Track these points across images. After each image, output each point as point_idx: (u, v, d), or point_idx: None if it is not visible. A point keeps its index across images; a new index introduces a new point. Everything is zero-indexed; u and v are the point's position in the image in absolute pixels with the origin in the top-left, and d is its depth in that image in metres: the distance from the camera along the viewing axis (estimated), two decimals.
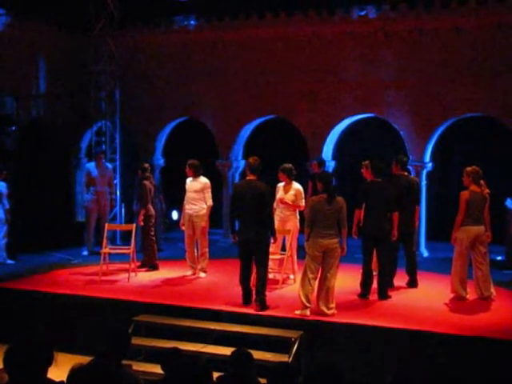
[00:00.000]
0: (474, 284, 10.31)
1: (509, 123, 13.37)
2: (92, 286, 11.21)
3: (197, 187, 11.70)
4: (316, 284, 9.46)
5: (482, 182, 10.21)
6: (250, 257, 9.75)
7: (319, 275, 9.42)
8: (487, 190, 10.24)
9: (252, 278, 9.93)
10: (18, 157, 14.45)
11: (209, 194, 11.76)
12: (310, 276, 9.33)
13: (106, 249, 12.00)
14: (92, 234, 14.17)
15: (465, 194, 10.13)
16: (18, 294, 10.87)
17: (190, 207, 11.72)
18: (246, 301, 9.79)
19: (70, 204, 16.46)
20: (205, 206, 11.71)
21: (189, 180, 11.81)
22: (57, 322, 10.14)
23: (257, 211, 9.62)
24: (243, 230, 9.76)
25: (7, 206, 13.03)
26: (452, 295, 10.32)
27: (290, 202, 11.27)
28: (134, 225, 12.17)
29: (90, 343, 8.84)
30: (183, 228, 11.90)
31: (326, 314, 9.28)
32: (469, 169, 10.23)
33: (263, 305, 9.57)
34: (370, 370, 8.61)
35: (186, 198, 11.80)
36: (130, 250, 11.82)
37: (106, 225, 12.50)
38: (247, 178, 10.05)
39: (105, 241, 12.03)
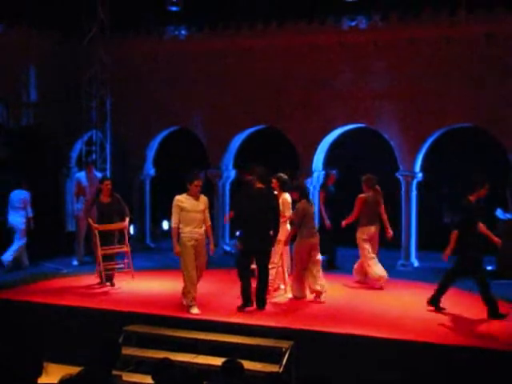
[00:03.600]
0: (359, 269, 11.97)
1: (498, 134, 13.42)
2: (82, 295, 11.16)
3: (201, 207, 10.21)
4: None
5: (376, 187, 11.98)
6: (251, 261, 10.26)
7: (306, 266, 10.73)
8: (380, 194, 12.01)
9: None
10: (8, 165, 14.41)
11: (208, 213, 10.44)
12: (302, 271, 10.68)
13: (102, 250, 11.70)
14: (82, 244, 14.11)
15: (362, 197, 11.87)
16: (7, 304, 10.81)
17: (196, 231, 10.08)
18: (250, 302, 10.10)
19: (60, 213, 16.40)
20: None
21: (186, 197, 10.15)
22: (47, 332, 10.08)
23: (264, 219, 10.10)
24: (251, 238, 10.08)
25: (30, 214, 13.53)
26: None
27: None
28: (127, 223, 12.01)
29: (81, 353, 8.79)
30: (178, 255, 10.18)
31: (319, 292, 10.60)
32: (364, 177, 11.99)
33: (265, 304, 10.10)
34: (362, 380, 8.59)
35: (185, 220, 10.07)
36: (124, 248, 11.95)
37: (100, 226, 11.88)
38: (256, 186, 10.34)
39: (97, 240, 11.70)
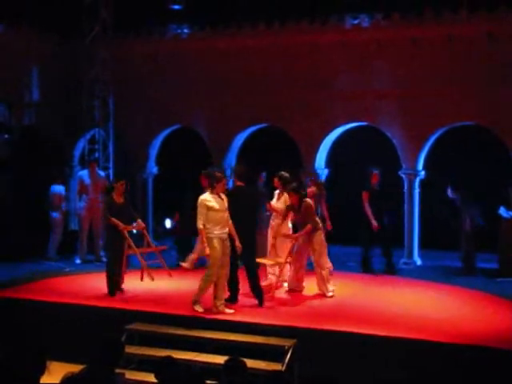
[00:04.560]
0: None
1: (500, 132, 13.41)
2: (85, 294, 11.16)
3: (226, 205, 9.85)
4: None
5: (319, 182, 13.14)
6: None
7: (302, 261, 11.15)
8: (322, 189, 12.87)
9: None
10: (10, 165, 14.42)
11: None
12: None
13: (139, 249, 11.32)
14: (85, 242, 14.13)
15: (310, 192, 12.17)
16: (10, 303, 10.83)
17: (224, 230, 9.72)
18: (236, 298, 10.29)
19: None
20: None
21: (212, 197, 9.72)
22: (49, 331, 10.09)
23: (249, 216, 10.03)
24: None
25: (64, 209, 14.62)
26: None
27: (279, 210, 11.32)
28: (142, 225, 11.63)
29: (83, 351, 8.80)
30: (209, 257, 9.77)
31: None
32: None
33: (263, 299, 10.18)
34: (364, 379, 8.59)
35: (214, 220, 9.65)
36: (162, 247, 12.03)
37: (129, 227, 11.29)
38: (236, 184, 10.44)
39: (130, 241, 11.19)
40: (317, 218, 11.17)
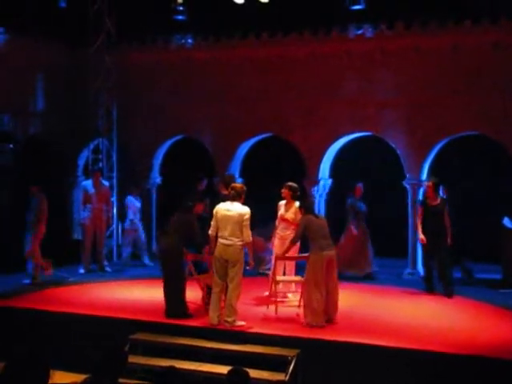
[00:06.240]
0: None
1: (505, 141, 13.40)
2: (88, 303, 11.15)
3: None
4: None
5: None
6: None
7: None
8: None
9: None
10: (14, 174, 14.43)
11: None
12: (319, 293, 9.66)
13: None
14: (89, 252, 14.12)
15: None
16: (13, 312, 10.82)
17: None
18: None
19: (66, 222, 16.42)
20: None
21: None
22: (53, 340, 10.08)
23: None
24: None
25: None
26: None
27: (290, 220, 11.25)
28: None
29: (86, 361, 8.78)
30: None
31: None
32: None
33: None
34: None
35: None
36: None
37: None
38: (223, 193, 10.51)
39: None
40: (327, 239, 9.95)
